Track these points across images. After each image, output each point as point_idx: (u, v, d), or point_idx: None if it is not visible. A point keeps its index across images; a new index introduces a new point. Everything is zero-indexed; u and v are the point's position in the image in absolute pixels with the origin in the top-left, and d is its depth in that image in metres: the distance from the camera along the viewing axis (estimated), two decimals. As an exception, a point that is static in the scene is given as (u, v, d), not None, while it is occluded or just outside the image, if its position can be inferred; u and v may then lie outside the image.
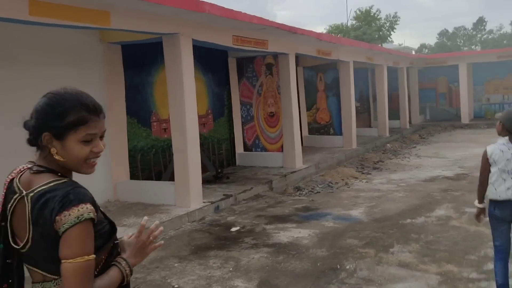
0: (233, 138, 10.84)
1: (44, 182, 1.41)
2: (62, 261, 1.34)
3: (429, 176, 9.23)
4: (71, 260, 1.33)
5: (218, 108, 10.42)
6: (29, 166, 1.51)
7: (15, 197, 1.44)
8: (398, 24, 36.74)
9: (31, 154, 1.52)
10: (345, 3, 45.70)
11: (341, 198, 7.73)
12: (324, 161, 11.03)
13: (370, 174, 9.83)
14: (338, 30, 36.69)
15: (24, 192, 1.42)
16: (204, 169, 9.70)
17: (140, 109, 8.21)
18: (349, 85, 13.18)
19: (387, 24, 36.99)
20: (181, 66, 6.70)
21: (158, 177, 8.60)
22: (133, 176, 8.02)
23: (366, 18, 37.19)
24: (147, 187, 7.47)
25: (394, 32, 37.34)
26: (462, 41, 57.10)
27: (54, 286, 1.42)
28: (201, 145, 9.89)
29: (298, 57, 13.69)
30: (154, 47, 7.57)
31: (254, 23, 7.52)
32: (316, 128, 15.31)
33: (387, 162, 11.23)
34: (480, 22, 54.58)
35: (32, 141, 1.47)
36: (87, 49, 7.24)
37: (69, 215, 1.34)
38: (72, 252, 1.34)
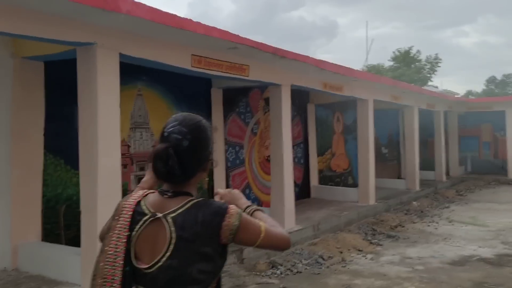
0: (212, 186, 8.74)
1: (183, 203, 1.48)
2: (257, 243, 1.51)
3: (460, 255, 6.74)
4: (262, 236, 1.50)
5: (193, 149, 8.41)
6: (151, 191, 1.57)
7: (144, 218, 1.48)
8: (439, 66, 34.34)
9: None
10: (387, 46, 43.83)
11: (327, 287, 5.41)
12: (327, 221, 8.71)
13: (380, 245, 7.43)
14: (374, 70, 34.54)
15: (160, 214, 1.46)
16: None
17: (70, 145, 6.26)
18: (366, 128, 10.91)
19: (428, 66, 34.57)
20: (95, 91, 4.77)
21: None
22: (51, 235, 6.03)
23: (405, 59, 34.97)
24: (53, 254, 5.45)
25: (435, 74, 34.88)
26: (512, 89, 53.51)
27: None
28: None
29: (308, 92, 11.70)
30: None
31: (214, 37, 5.55)
32: (330, 177, 13.00)
33: (407, 228, 8.76)
34: (532, 69, 51.02)
35: (190, 173, 1.52)
36: (-11, 65, 5.47)
37: (232, 215, 1.46)
38: (257, 233, 1.50)
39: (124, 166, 7.05)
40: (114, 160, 4.94)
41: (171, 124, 1.51)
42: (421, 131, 17.57)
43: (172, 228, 1.43)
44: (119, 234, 1.48)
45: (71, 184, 6.30)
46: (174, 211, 1.46)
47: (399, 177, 16.50)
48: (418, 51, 34.67)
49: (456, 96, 25.07)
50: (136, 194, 1.57)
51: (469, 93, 56.03)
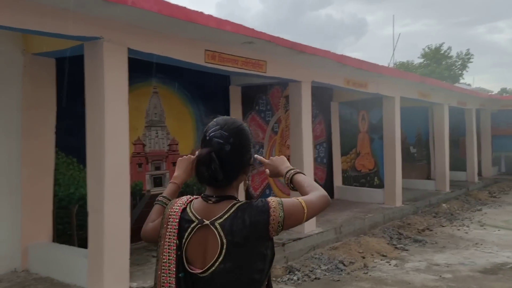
0: (231, 186, 8.48)
1: (227, 207, 1.51)
2: (303, 220, 1.53)
3: (492, 262, 6.28)
4: (305, 212, 1.51)
5: (210, 148, 8.17)
6: (195, 197, 1.60)
7: (192, 226, 1.52)
8: (471, 62, 33.19)
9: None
10: (417, 44, 42.74)
11: (345, 295, 5.08)
12: (350, 224, 8.34)
13: (406, 250, 7.02)
14: (403, 68, 33.68)
15: (207, 221, 1.50)
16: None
17: (83, 144, 6.12)
18: (393, 127, 10.46)
19: (459, 63, 33.47)
20: (102, 87, 4.59)
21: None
22: (64, 236, 5.91)
23: (435, 55, 33.97)
24: (63, 255, 5.30)
25: (467, 71, 33.71)
26: (548, 85, 51.35)
27: None
28: (182, 194, 7.67)
29: (332, 90, 11.33)
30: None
31: (227, 31, 5.29)
32: (354, 177, 12.58)
33: (436, 232, 8.30)
34: None
35: (232, 176, 1.55)
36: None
37: (275, 208, 1.48)
38: (300, 212, 1.51)
39: (139, 165, 6.90)
40: (122, 159, 4.75)
41: (213, 129, 1.54)
42: (452, 130, 16.89)
43: (222, 234, 1.47)
44: (169, 242, 1.52)
45: (84, 184, 6.12)
46: (220, 217, 1.49)
47: (428, 178, 15.88)
48: (449, 48, 33.61)
49: (489, 93, 24.13)
50: (181, 201, 1.59)
51: (504, 90, 54.00)
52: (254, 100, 9.21)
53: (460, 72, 33.24)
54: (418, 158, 16.39)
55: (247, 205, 1.51)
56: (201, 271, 1.48)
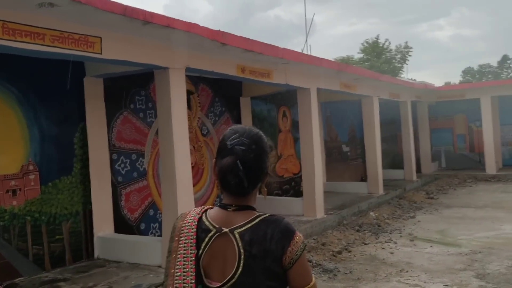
0: (91, 211, 6.46)
1: (250, 218, 1.42)
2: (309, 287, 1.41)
3: (416, 304, 4.62)
4: (311, 284, 1.41)
5: (55, 161, 6.10)
6: (210, 206, 1.52)
7: (210, 235, 1.43)
8: (410, 56, 32.55)
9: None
10: (360, 40, 41.99)
11: None
12: (251, 249, 6.53)
13: (308, 287, 5.26)
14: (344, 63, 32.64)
15: (226, 229, 1.41)
16: (11, 273, 5.38)
17: None
18: (309, 124, 8.78)
19: (398, 56, 32.78)
20: None
21: None
22: None
23: (374, 49, 33.10)
24: None
25: (407, 64, 33.09)
26: (488, 79, 52.53)
27: None
28: (4, 228, 5.57)
29: (240, 82, 9.53)
30: None
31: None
32: (275, 184, 10.83)
33: (355, 254, 6.62)
34: (505, 60, 50.00)
35: (255, 184, 1.47)
36: None
37: (296, 242, 1.40)
38: (309, 277, 1.42)
39: None
40: None
41: (233, 137, 1.46)
42: (390, 125, 15.61)
43: (240, 244, 1.38)
44: (185, 253, 1.42)
45: None
46: (240, 226, 1.41)
47: (362, 179, 14.44)
48: (387, 40, 32.89)
49: (425, 84, 23.20)
50: (193, 212, 1.49)
51: (448, 85, 54.62)
52: (126, 96, 7.21)
53: (400, 65, 32.55)
54: (351, 157, 14.94)
55: (274, 219, 1.43)
56: (219, 284, 1.37)
